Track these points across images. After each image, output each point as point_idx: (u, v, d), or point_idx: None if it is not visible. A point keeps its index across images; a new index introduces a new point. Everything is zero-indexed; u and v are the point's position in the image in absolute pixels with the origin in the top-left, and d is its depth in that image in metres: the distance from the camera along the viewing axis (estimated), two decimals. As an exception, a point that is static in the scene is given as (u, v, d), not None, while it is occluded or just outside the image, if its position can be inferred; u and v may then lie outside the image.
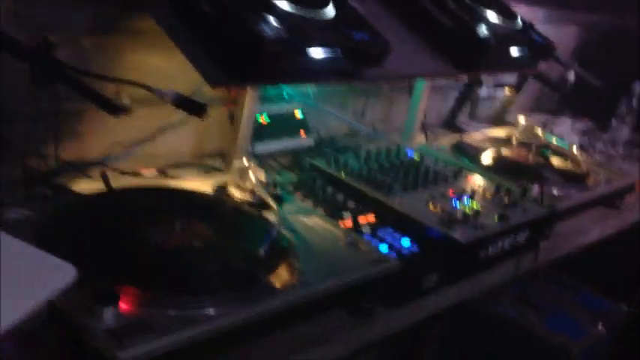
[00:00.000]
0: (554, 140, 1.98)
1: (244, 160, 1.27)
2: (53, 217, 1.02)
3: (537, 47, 1.81)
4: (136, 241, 0.98)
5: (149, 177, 1.35)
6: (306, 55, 1.17)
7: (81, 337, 0.79)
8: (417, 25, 1.57)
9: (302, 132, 1.79)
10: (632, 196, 1.89)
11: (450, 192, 1.48)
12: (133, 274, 0.90)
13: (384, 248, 1.22)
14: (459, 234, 1.28)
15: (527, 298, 2.17)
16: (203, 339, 0.85)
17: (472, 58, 1.63)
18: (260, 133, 1.67)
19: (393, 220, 1.32)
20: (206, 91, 1.53)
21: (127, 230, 1.00)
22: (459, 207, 1.41)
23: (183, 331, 0.83)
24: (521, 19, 1.70)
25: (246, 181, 1.24)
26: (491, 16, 1.59)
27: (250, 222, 1.14)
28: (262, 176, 1.25)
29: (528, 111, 2.81)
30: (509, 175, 1.65)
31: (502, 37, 1.64)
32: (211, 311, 0.88)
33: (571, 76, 2.59)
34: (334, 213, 1.31)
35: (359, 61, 1.30)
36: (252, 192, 1.23)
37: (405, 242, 1.27)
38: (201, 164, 1.58)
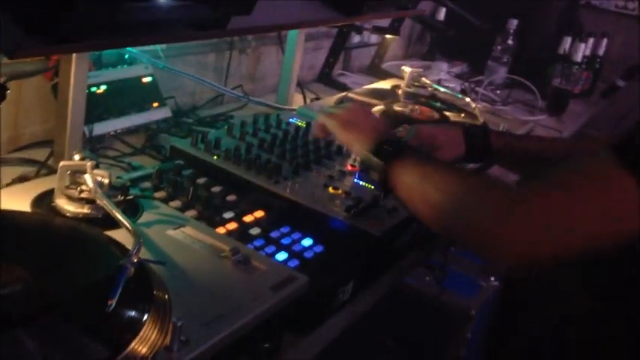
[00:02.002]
0: (442, 90, 1.78)
1: (76, 154, 0.90)
2: None
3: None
4: None
5: None
6: (145, 2, 0.83)
7: None
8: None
9: (154, 102, 1.43)
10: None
11: (349, 166, 1.21)
12: None
13: (282, 257, 0.93)
14: (371, 224, 1.02)
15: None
16: None
17: (355, 2, 1.37)
18: (98, 108, 1.29)
19: (288, 215, 1.03)
20: (14, 61, 1.12)
21: None
22: (363, 184, 1.15)
23: None
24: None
25: (81, 185, 0.88)
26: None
27: (89, 254, 0.78)
28: (105, 175, 0.89)
29: (401, 57, 2.63)
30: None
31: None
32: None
33: (442, 14, 2.42)
34: (212, 214, 0.99)
35: (220, 8, 0.98)
36: (92, 202, 0.87)
37: (307, 242, 0.99)
38: (21, 160, 1.17)
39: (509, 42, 2.26)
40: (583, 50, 2.26)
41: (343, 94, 1.64)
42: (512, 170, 1.25)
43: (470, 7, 2.39)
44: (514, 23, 2.22)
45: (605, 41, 2.41)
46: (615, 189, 0.66)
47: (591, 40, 2.33)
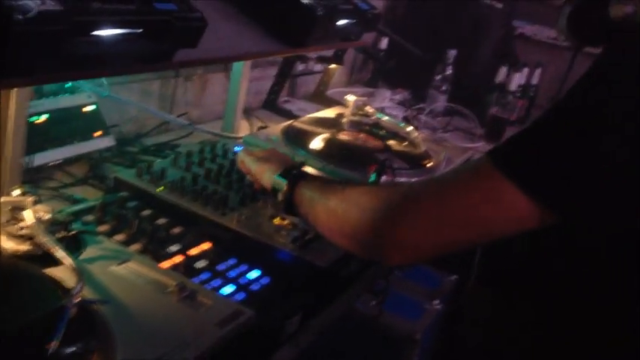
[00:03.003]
0: (385, 119, 1.83)
1: (16, 189, 0.88)
2: None
3: (364, 17, 1.64)
4: None
5: None
6: (88, 36, 0.83)
7: None
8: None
9: (97, 131, 1.40)
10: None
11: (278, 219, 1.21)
12: None
13: (229, 290, 0.94)
14: (317, 255, 1.04)
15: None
16: None
17: (301, 34, 1.40)
18: (38, 138, 1.26)
19: (234, 247, 1.04)
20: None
21: None
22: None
23: None
24: (344, -15, 1.50)
25: (21, 221, 0.86)
26: (317, -18, 1.36)
27: (29, 293, 0.76)
28: (46, 210, 0.87)
29: (345, 84, 2.68)
30: (350, 164, 1.45)
31: (330, 8, 1.43)
32: None
33: (384, 43, 2.50)
34: (157, 248, 0.98)
35: (166, 41, 0.99)
36: (33, 238, 0.85)
37: (254, 275, 0.99)
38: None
39: (449, 71, 2.34)
40: (518, 79, 2.36)
41: (289, 122, 1.66)
42: None
43: (411, 36, 2.47)
44: (453, 53, 2.30)
45: (538, 71, 2.53)
46: (483, 184, 0.73)
47: (525, 70, 2.44)
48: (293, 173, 1.00)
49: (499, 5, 2.51)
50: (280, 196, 0.99)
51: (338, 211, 0.86)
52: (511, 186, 0.70)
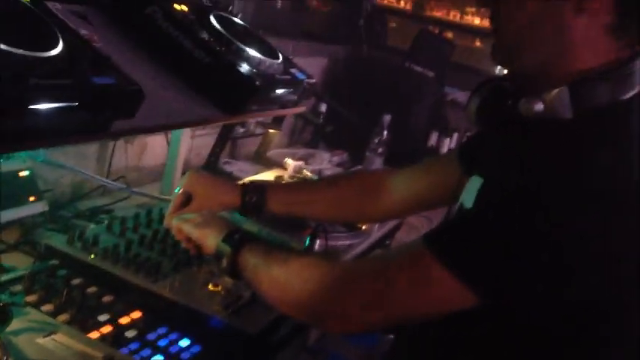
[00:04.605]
0: (322, 181, 1.89)
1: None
2: None
3: (301, 86, 1.72)
4: None
5: None
6: (26, 112, 0.84)
7: None
8: (173, 65, 1.33)
9: (30, 196, 1.39)
10: (400, 233, 1.91)
11: (210, 286, 1.21)
12: None
13: (158, 360, 0.94)
14: (248, 321, 1.06)
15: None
16: None
17: (239, 102, 1.45)
18: (-31, 204, 1.24)
19: (166, 314, 1.04)
20: None
21: None
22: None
23: None
24: (282, 55, 1.58)
25: (-55, 293, 0.85)
26: (255, 54, 1.42)
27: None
28: (-28, 282, 0.87)
29: (286, 145, 2.75)
30: (285, 228, 1.49)
31: (268, 77, 1.50)
32: None
33: (323, 107, 2.59)
34: (86, 318, 0.98)
35: (103, 112, 1.02)
36: (-43, 311, 0.84)
37: (185, 343, 1.00)
38: None
39: (384, 135, 2.45)
40: (448, 144, 2.49)
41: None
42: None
43: (350, 100, 2.59)
44: (387, 118, 2.41)
45: (467, 136, 2.67)
46: (418, 268, 0.79)
47: (455, 135, 2.58)
48: (236, 238, 1.00)
49: (431, 74, 2.66)
50: (224, 262, 1.00)
51: (280, 280, 0.90)
52: (444, 271, 0.76)
